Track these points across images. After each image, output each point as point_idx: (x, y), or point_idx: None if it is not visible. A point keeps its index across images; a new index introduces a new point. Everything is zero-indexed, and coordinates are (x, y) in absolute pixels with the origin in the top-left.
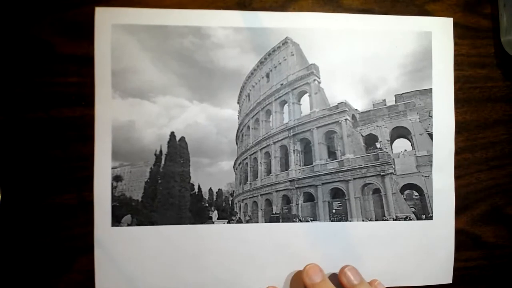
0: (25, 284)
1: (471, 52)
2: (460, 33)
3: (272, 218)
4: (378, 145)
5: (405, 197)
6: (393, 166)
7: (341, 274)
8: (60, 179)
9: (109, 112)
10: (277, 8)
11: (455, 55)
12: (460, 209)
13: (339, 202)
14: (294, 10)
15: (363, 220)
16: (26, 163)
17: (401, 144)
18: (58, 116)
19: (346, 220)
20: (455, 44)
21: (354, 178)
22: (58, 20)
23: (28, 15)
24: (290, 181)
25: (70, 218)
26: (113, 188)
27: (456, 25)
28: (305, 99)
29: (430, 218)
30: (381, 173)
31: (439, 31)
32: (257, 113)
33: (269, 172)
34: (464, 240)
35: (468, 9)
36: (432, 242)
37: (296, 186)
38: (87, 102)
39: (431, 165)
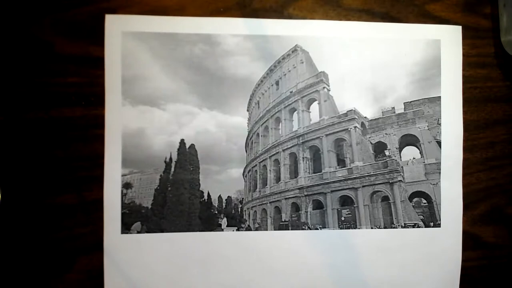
0: (25, 284)
1: (471, 52)
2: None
3: (281, 226)
4: (387, 152)
5: (413, 204)
6: (402, 174)
7: None
8: (60, 179)
9: (119, 119)
10: (277, 8)
11: None
12: None
13: (348, 210)
14: (294, 9)
15: (371, 228)
16: (26, 163)
17: (409, 152)
18: (58, 116)
19: (355, 227)
20: None
21: (363, 186)
22: (58, 20)
23: (28, 15)
24: (299, 188)
25: (70, 218)
26: (123, 195)
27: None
28: (315, 106)
29: (438, 225)
30: (390, 181)
31: (448, 39)
32: (266, 120)
33: (278, 179)
34: (464, 240)
35: (468, 9)
36: (439, 249)
37: (305, 193)
38: (87, 102)
39: (440, 172)
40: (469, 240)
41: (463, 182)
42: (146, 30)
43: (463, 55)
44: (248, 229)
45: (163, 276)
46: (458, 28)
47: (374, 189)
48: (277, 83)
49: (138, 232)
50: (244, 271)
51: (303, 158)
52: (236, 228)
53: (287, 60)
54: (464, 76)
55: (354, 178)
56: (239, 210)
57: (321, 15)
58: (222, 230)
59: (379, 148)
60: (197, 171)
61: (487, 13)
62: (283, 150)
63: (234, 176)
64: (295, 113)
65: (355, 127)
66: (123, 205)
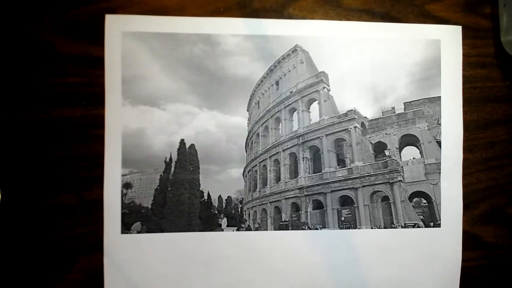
0: (25, 284)
1: (471, 52)
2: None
3: (281, 226)
4: (387, 152)
5: (413, 204)
6: (402, 174)
7: None
8: (60, 179)
9: (119, 119)
10: (277, 8)
11: None
12: None
13: (348, 210)
14: (294, 9)
15: (371, 228)
16: (26, 163)
17: (409, 152)
18: (58, 116)
19: (355, 227)
20: None
21: (363, 186)
22: (58, 20)
23: (28, 15)
24: (299, 188)
25: (70, 218)
26: (123, 195)
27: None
28: (315, 106)
29: (438, 225)
30: (390, 181)
31: (448, 39)
32: (266, 120)
33: (278, 179)
34: (464, 240)
35: (468, 9)
36: (439, 249)
37: (305, 193)
38: (87, 102)
39: (440, 172)
40: (469, 240)
41: (463, 182)
42: (146, 30)
43: (463, 55)
44: (248, 229)
45: (163, 276)
46: (458, 28)
47: (374, 189)
48: (277, 83)
49: (138, 232)
50: (244, 271)
51: (303, 158)
52: (236, 228)
53: (287, 60)
54: (464, 76)
55: (354, 178)
56: (239, 210)
57: (321, 15)
58: (222, 230)
59: (379, 148)
60: (197, 171)
61: (487, 13)
62: (283, 150)
63: (234, 176)
64: (295, 113)
65: (355, 127)
66: (123, 205)
